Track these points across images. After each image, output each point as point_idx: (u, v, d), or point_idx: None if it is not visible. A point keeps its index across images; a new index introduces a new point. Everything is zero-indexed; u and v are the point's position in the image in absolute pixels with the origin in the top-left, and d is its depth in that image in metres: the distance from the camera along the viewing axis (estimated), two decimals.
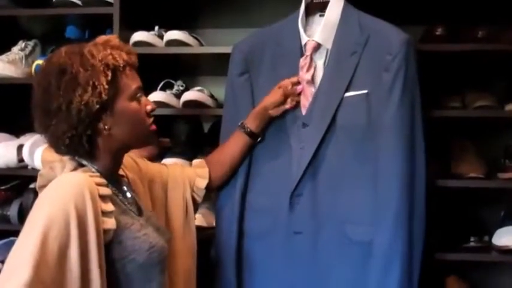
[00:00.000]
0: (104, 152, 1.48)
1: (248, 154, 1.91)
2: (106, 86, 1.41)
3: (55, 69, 1.43)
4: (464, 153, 2.22)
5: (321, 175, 1.83)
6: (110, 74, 1.42)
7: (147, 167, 1.74)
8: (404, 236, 1.76)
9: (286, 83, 1.84)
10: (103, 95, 1.41)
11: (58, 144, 1.45)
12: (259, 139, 1.90)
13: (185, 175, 1.81)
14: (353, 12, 1.89)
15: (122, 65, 1.45)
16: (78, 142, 1.43)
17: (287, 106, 1.85)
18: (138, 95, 1.51)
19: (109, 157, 1.50)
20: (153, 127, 1.56)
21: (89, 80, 1.39)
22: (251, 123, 1.87)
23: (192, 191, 1.82)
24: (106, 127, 1.45)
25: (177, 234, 1.74)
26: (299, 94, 1.86)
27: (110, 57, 1.43)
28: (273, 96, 1.85)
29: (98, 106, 1.40)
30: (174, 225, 1.75)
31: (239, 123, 1.89)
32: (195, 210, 1.87)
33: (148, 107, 1.54)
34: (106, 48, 1.46)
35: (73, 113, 1.39)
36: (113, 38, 1.53)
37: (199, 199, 1.85)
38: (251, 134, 1.87)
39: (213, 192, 1.94)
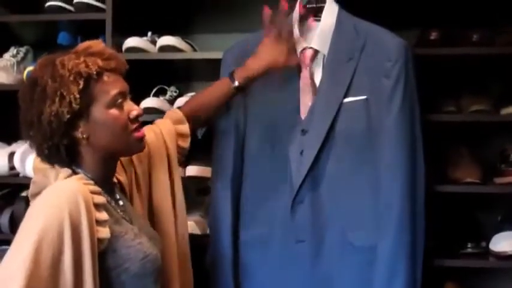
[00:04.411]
0: (89, 161, 1.46)
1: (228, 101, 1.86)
2: (77, 95, 1.38)
3: (29, 81, 1.46)
4: (460, 158, 2.20)
5: (321, 181, 1.82)
6: (82, 82, 1.39)
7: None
8: (407, 241, 1.77)
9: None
10: (73, 105, 1.38)
11: (39, 154, 1.45)
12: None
13: (168, 140, 1.74)
14: (348, 17, 1.88)
15: (95, 72, 1.41)
16: (56, 152, 1.42)
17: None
18: (119, 101, 1.44)
19: (96, 165, 1.46)
20: (138, 134, 1.49)
21: (57, 91, 1.38)
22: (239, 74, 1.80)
23: (177, 152, 1.78)
24: (84, 136, 1.42)
25: (164, 206, 1.70)
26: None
27: (82, 65, 1.40)
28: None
29: (68, 116, 1.38)
30: (162, 205, 1.71)
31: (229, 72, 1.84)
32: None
33: (133, 113, 1.47)
34: (80, 56, 1.42)
35: (44, 124, 1.39)
36: (95, 44, 1.49)
37: (182, 158, 1.84)
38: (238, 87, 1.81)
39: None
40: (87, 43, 1.50)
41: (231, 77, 1.81)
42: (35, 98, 1.40)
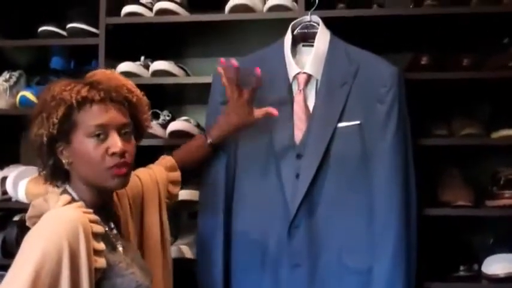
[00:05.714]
0: (79, 186, 1.46)
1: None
2: (56, 121, 1.40)
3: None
4: (451, 180, 2.21)
5: (317, 205, 1.83)
6: (63, 109, 1.40)
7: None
8: (403, 264, 1.79)
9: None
10: (51, 129, 1.40)
11: (39, 171, 1.50)
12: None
13: (160, 184, 1.76)
14: (340, 43, 1.91)
15: (76, 101, 1.40)
16: (47, 171, 1.47)
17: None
18: (98, 133, 1.40)
19: (85, 192, 1.46)
20: (117, 171, 1.42)
21: (39, 114, 1.43)
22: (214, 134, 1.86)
23: (166, 198, 1.80)
24: (66, 160, 1.44)
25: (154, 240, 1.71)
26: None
27: (66, 93, 1.41)
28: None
29: (46, 139, 1.41)
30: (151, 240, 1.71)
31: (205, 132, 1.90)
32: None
33: (111, 149, 1.40)
34: (70, 83, 1.44)
35: (32, 142, 1.45)
36: (99, 73, 1.52)
37: (171, 204, 1.84)
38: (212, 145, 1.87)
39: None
40: (94, 71, 1.54)
41: (206, 134, 1.86)
42: (32, 116, 1.46)
